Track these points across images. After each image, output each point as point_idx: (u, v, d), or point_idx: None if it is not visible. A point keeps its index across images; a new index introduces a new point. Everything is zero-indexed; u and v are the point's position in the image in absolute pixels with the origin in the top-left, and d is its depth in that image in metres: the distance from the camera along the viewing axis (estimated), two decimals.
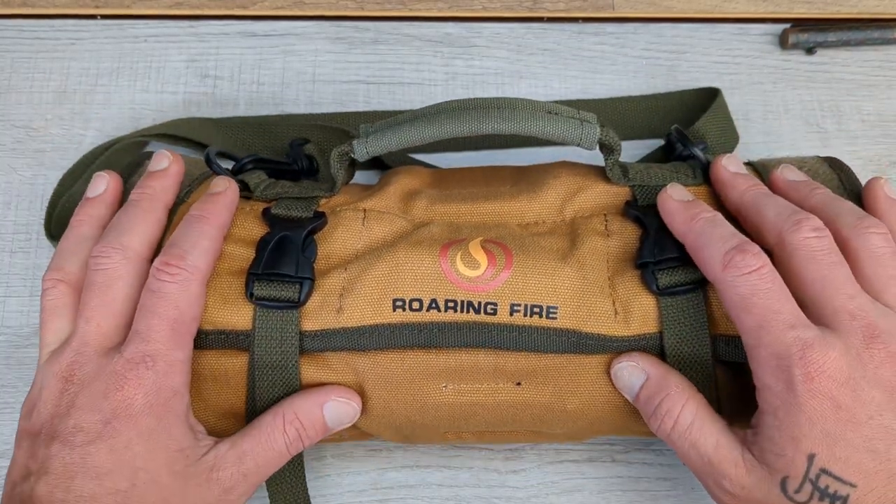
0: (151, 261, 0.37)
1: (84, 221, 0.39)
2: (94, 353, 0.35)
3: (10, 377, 0.48)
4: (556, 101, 0.54)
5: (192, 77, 0.55)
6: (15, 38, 0.55)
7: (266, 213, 0.40)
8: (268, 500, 0.40)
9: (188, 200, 0.41)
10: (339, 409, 0.38)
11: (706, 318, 0.37)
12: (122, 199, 0.41)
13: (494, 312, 0.37)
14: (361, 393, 0.39)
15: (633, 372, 0.36)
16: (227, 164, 0.44)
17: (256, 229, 0.40)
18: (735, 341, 0.37)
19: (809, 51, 0.56)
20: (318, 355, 0.38)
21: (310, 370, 0.38)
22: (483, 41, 0.56)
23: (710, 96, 0.54)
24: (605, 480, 0.46)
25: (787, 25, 0.57)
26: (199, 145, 0.52)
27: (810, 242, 0.34)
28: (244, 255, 0.39)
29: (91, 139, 0.53)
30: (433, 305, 0.37)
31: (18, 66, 0.55)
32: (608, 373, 0.38)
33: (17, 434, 0.35)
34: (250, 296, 0.38)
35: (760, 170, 0.42)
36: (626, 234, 0.39)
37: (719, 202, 0.40)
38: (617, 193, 0.41)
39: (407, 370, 0.38)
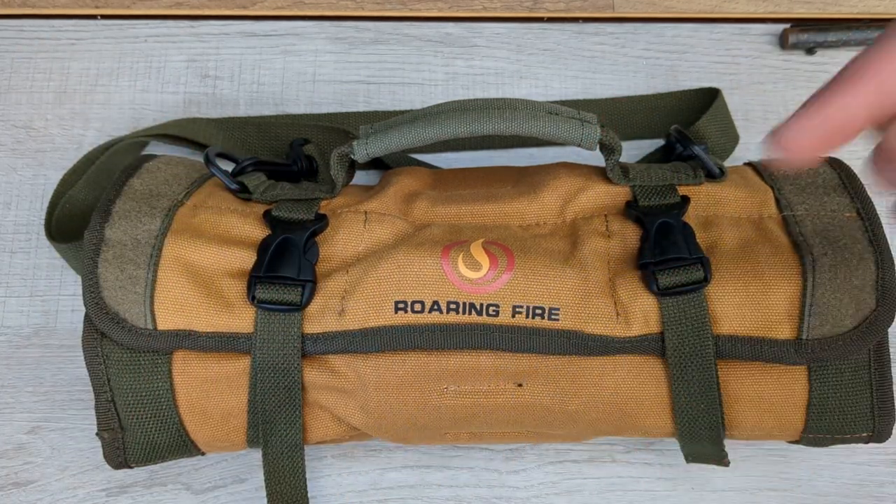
0: None
1: None
2: None
3: (10, 377, 0.48)
4: (556, 101, 0.54)
5: (192, 77, 0.55)
6: (15, 38, 0.55)
7: (267, 216, 0.40)
8: (266, 501, 0.40)
9: (188, 202, 0.41)
10: None
11: (707, 317, 0.37)
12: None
13: (496, 314, 0.37)
14: (363, 394, 0.39)
15: None
16: (227, 165, 0.44)
17: (257, 231, 0.40)
18: (737, 341, 0.37)
19: (809, 51, 0.56)
20: (320, 358, 0.39)
21: (312, 373, 0.38)
22: (483, 41, 0.56)
23: (710, 96, 0.54)
24: (605, 480, 0.46)
25: (787, 25, 0.57)
26: (199, 145, 0.52)
27: None
28: (245, 257, 0.39)
29: (91, 139, 0.53)
30: (435, 307, 0.37)
31: (18, 66, 0.55)
32: (609, 374, 0.38)
33: None
34: (252, 298, 0.38)
35: (761, 170, 0.42)
36: (627, 235, 0.39)
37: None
38: (617, 194, 0.41)
39: (409, 372, 0.38)
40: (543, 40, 0.56)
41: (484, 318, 0.37)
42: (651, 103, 0.54)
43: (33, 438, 0.47)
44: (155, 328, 0.38)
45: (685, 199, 0.40)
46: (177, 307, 0.38)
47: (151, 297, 0.38)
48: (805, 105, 0.25)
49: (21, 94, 0.54)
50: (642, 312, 0.37)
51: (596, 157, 0.52)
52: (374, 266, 0.38)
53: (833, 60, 0.56)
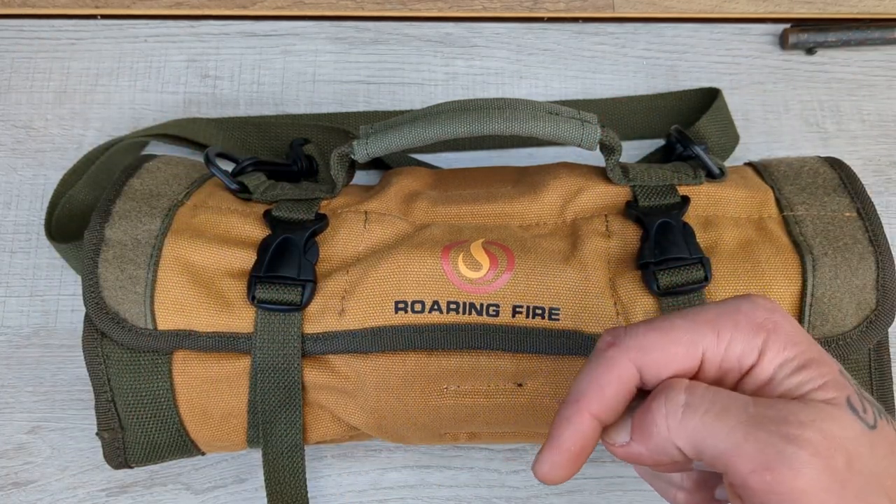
0: None
1: None
2: None
3: (10, 377, 0.48)
4: (557, 101, 0.54)
5: (192, 77, 0.55)
6: (15, 38, 0.55)
7: (267, 216, 0.40)
8: (266, 501, 0.40)
9: (188, 202, 0.41)
10: None
11: None
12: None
13: (497, 314, 0.37)
14: (363, 394, 0.39)
15: None
16: (227, 165, 0.44)
17: (257, 231, 0.40)
18: None
19: (809, 51, 0.56)
20: (320, 357, 0.39)
21: (312, 372, 0.38)
22: (483, 41, 0.56)
23: (710, 96, 0.54)
24: (605, 480, 0.46)
25: (788, 25, 0.57)
26: (199, 145, 0.52)
27: None
28: (245, 257, 0.39)
29: (91, 139, 0.53)
30: (435, 307, 0.37)
31: (18, 66, 0.55)
32: None
33: None
34: (252, 298, 0.38)
35: (761, 170, 0.42)
36: (627, 235, 0.39)
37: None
38: (617, 194, 0.41)
39: (409, 372, 0.38)
40: (543, 40, 0.56)
41: (484, 318, 0.37)
42: (651, 103, 0.54)
43: (33, 438, 0.47)
44: (155, 328, 0.38)
45: (685, 199, 0.40)
46: (177, 307, 0.38)
47: (151, 297, 0.38)
48: (548, 437, 0.28)
49: (21, 94, 0.54)
50: (643, 312, 0.37)
51: (596, 157, 0.52)
52: (374, 266, 0.38)
53: (833, 60, 0.56)
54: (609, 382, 0.27)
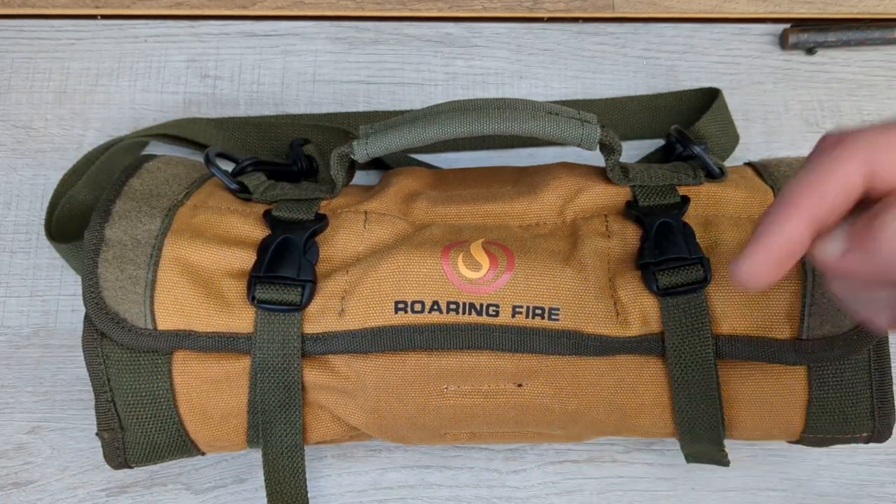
0: None
1: None
2: None
3: (10, 377, 0.48)
4: (557, 101, 0.54)
5: (192, 77, 0.55)
6: (15, 38, 0.55)
7: (267, 216, 0.40)
8: (266, 501, 0.40)
9: (188, 202, 0.41)
10: None
11: (708, 318, 0.37)
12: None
13: (496, 314, 0.37)
14: (363, 394, 0.39)
15: None
16: (227, 165, 0.44)
17: (257, 231, 0.40)
18: (737, 340, 0.37)
19: (810, 51, 0.56)
20: (320, 358, 0.39)
21: (312, 373, 0.38)
22: (483, 41, 0.56)
23: (710, 96, 0.53)
24: (605, 480, 0.46)
25: (788, 25, 0.57)
26: (199, 145, 0.52)
27: None
28: (245, 257, 0.39)
29: (91, 139, 0.53)
30: (435, 307, 0.37)
31: (18, 66, 0.55)
32: (608, 374, 0.38)
33: None
34: (252, 299, 0.38)
35: (761, 170, 0.42)
36: (627, 235, 0.39)
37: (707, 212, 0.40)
38: (617, 194, 0.41)
39: (409, 372, 0.38)
40: (543, 40, 0.56)
41: (484, 319, 0.37)
42: (651, 103, 0.54)
43: (33, 438, 0.47)
44: (155, 328, 0.38)
45: (685, 199, 0.40)
46: (177, 307, 0.38)
47: (151, 297, 0.38)
48: (753, 237, 0.26)
49: (21, 94, 0.54)
50: (642, 312, 0.37)
51: (596, 157, 0.52)
52: (374, 266, 0.38)
53: (833, 60, 0.56)
54: (831, 184, 0.24)
